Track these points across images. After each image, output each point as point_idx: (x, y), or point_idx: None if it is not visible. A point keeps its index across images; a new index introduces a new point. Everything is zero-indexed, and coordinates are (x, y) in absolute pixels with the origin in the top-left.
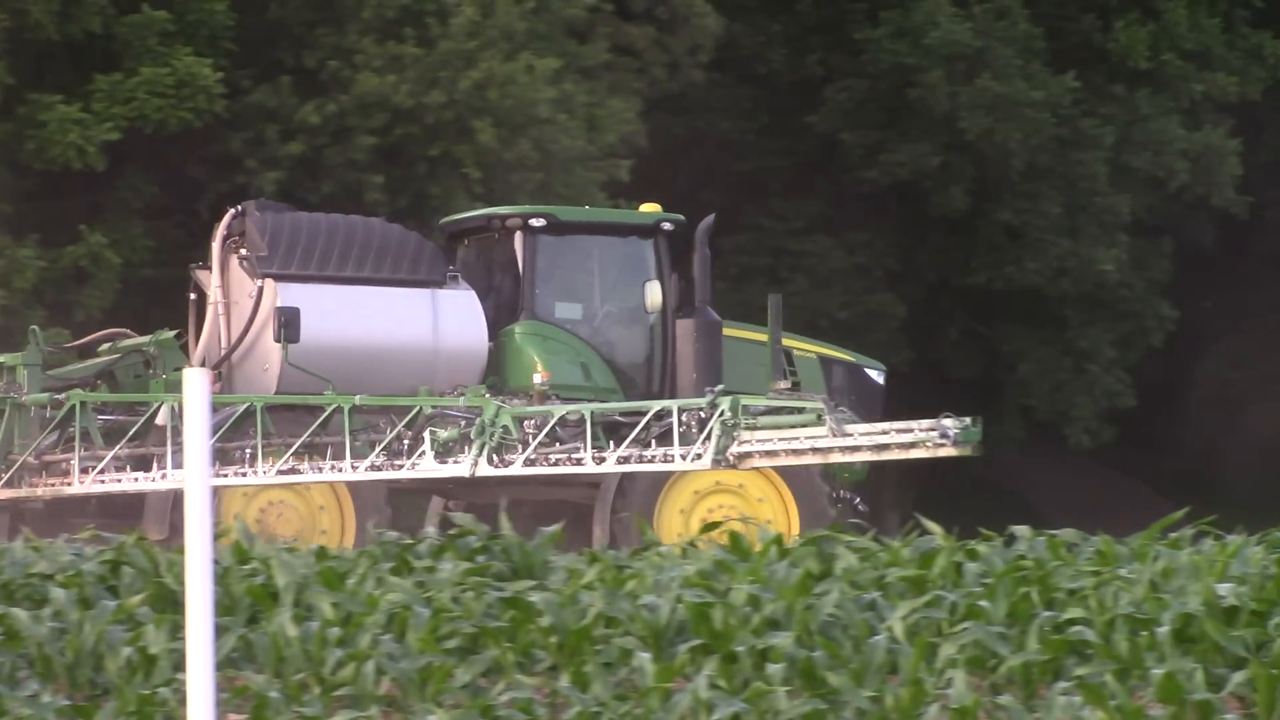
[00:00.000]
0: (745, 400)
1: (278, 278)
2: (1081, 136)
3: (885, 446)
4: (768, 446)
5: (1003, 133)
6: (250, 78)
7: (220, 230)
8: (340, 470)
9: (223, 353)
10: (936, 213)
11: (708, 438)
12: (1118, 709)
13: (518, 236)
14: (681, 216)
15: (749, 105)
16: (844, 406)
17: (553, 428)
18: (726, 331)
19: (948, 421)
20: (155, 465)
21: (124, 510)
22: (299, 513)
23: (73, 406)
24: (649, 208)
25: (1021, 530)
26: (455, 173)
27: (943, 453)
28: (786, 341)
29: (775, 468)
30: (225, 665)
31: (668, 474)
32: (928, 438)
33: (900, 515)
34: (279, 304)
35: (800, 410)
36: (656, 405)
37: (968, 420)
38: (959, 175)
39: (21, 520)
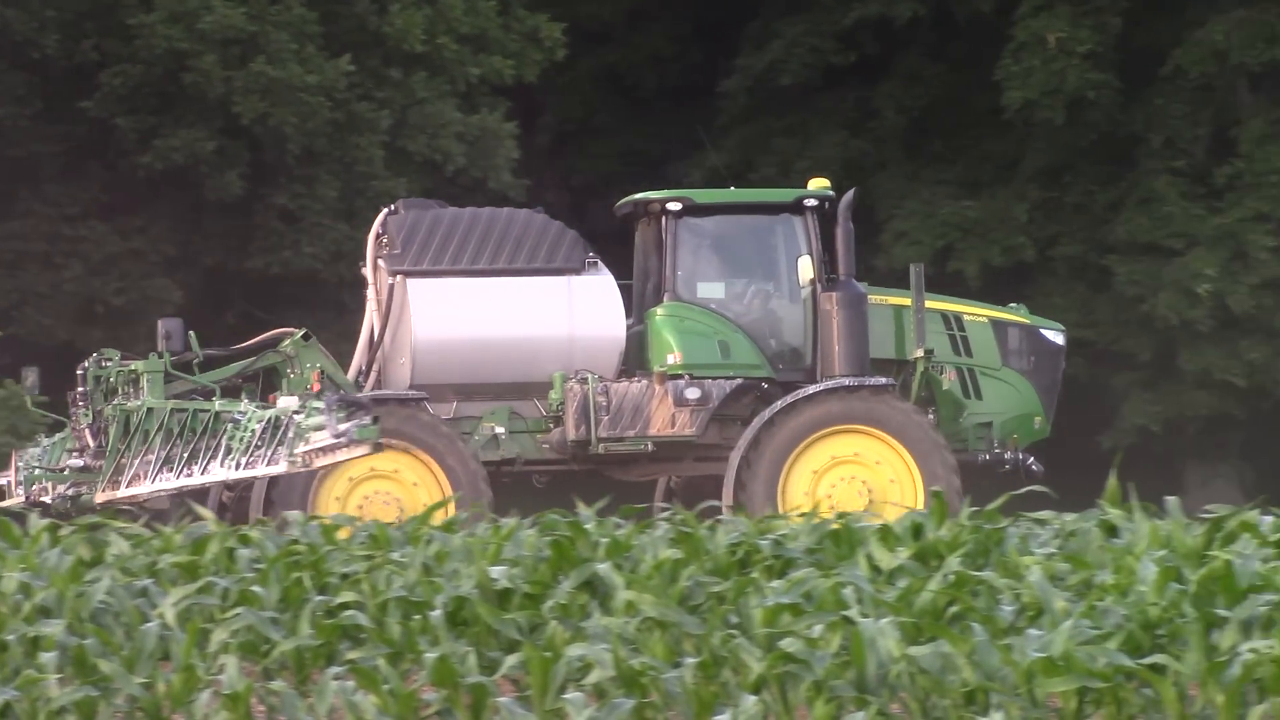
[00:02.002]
0: (314, 403)
1: (408, 274)
2: (358, 120)
3: (333, 448)
4: (312, 447)
5: (278, 117)
6: None
7: (374, 230)
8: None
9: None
10: (213, 197)
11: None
12: (391, 693)
13: (661, 220)
14: (830, 192)
15: (23, 91)
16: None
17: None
18: (890, 300)
19: (351, 423)
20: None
21: None
22: (399, 499)
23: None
24: (817, 183)
25: (294, 515)
26: None
27: (355, 453)
28: (957, 306)
29: (897, 437)
30: None
31: (800, 438)
32: (338, 437)
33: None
34: (408, 299)
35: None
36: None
37: (367, 419)
38: (234, 160)
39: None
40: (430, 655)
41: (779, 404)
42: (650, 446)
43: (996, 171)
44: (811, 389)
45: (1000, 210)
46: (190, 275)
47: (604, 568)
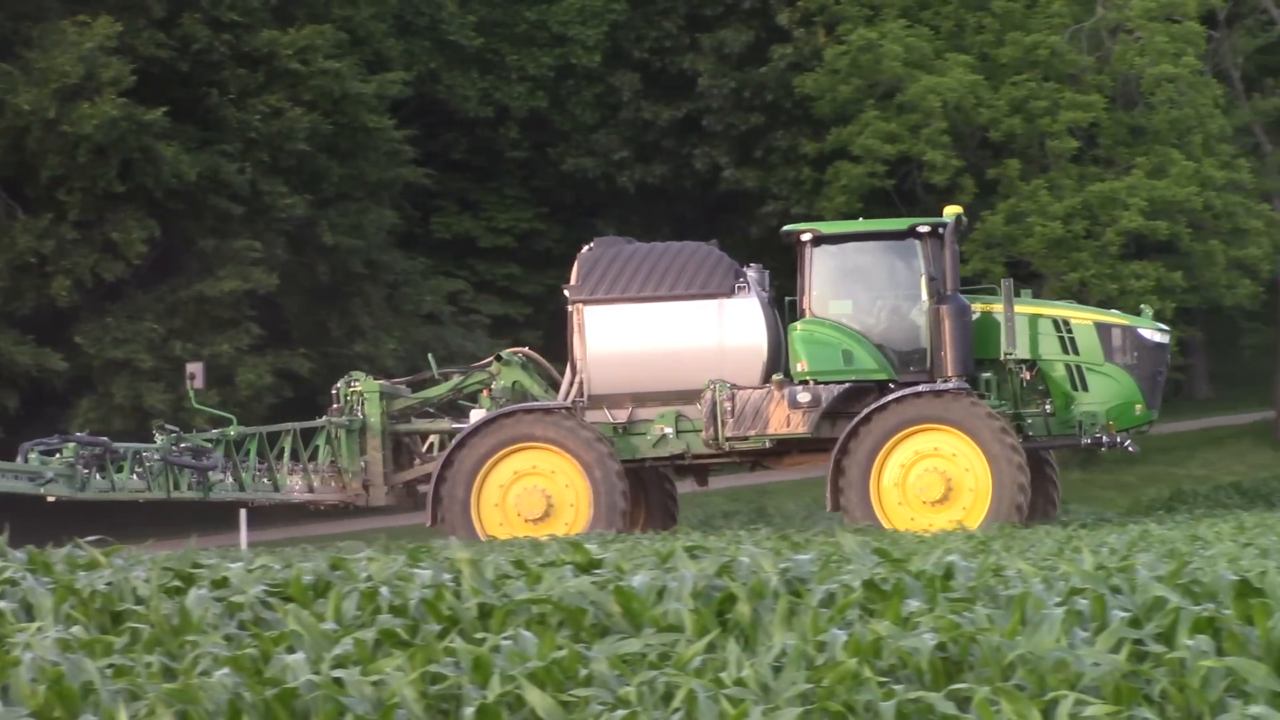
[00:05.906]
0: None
1: (584, 302)
2: None
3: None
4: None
5: None
6: None
7: (575, 266)
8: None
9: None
10: None
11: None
12: None
13: (800, 248)
14: (946, 221)
15: None
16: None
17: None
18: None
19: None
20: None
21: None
22: (548, 495)
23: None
24: (950, 210)
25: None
26: None
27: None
28: (1063, 311)
29: (964, 432)
30: None
31: (888, 436)
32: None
33: None
34: (584, 323)
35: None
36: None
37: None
38: None
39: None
40: None
41: (861, 413)
42: (768, 444)
43: None
44: (886, 398)
45: None
46: None
47: None
